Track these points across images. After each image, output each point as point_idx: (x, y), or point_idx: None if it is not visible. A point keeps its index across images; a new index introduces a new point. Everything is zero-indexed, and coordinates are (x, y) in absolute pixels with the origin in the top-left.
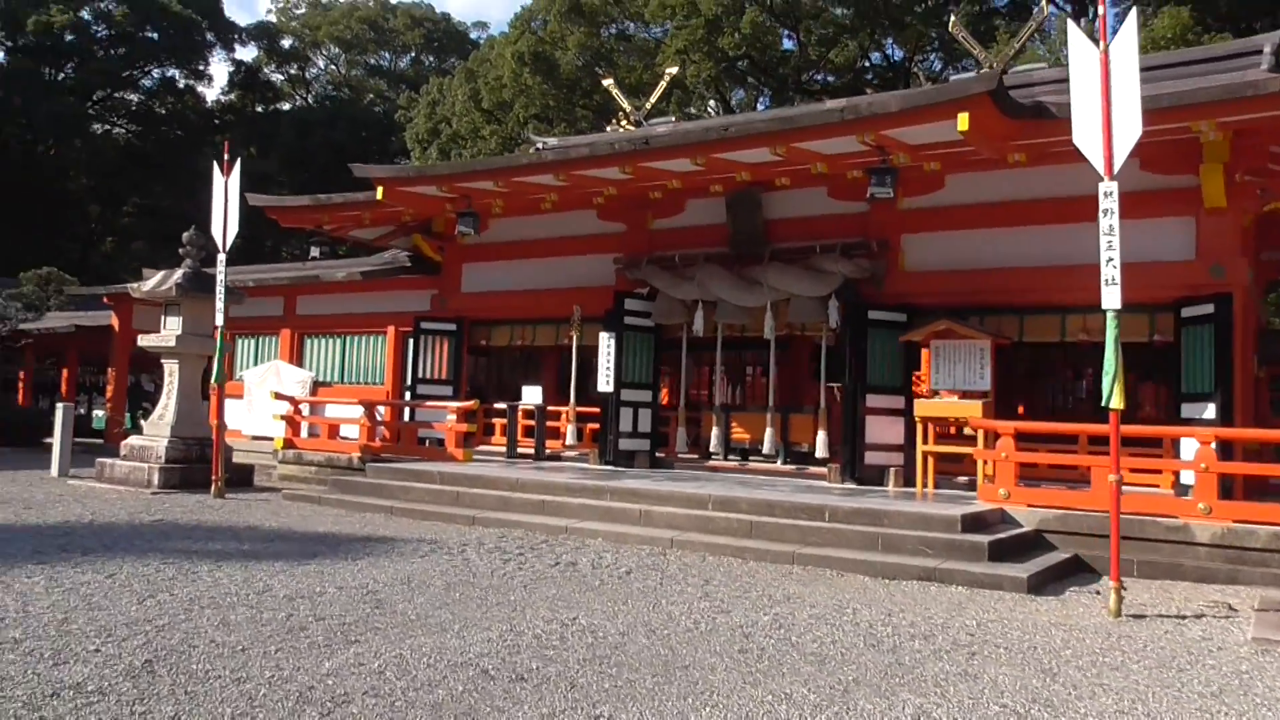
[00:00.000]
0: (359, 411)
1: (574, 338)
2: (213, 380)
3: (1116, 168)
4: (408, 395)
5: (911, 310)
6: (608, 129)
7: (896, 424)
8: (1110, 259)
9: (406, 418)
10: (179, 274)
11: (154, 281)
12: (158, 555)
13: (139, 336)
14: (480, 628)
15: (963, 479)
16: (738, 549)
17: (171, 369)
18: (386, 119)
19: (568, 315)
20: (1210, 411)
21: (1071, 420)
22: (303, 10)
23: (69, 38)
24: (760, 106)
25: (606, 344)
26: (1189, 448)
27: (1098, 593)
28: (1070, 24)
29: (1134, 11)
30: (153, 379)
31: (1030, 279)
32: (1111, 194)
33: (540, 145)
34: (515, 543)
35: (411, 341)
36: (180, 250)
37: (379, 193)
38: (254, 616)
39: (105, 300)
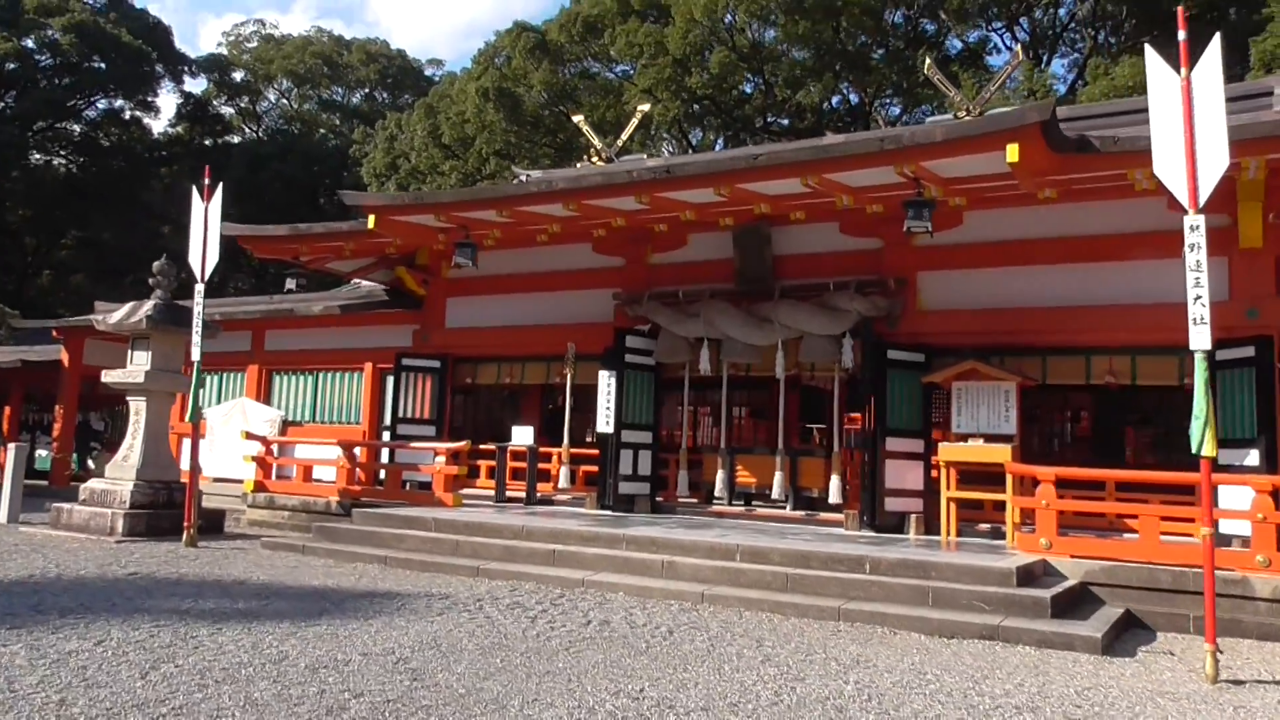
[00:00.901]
0: (335, 452)
1: (567, 376)
2: (186, 418)
3: (1202, 200)
4: (386, 435)
5: (929, 350)
6: (578, 165)
7: (916, 468)
8: (1198, 296)
9: (388, 459)
10: (149, 305)
11: (122, 313)
12: (145, 616)
13: (103, 372)
14: (544, 704)
15: (984, 526)
16: (775, 604)
17: (138, 407)
18: (340, 153)
19: (560, 352)
20: (1252, 458)
21: (1066, 463)
22: (255, 44)
23: (11, 66)
24: (718, 146)
25: (606, 383)
26: (1230, 496)
27: (1171, 653)
28: (1149, 51)
29: (1217, 38)
30: (102, 417)
31: (1054, 319)
32: (1199, 228)
33: (523, 178)
34: (532, 597)
35: (392, 379)
36: (150, 280)
37: (370, 221)
38: (281, 693)
39: (55, 334)
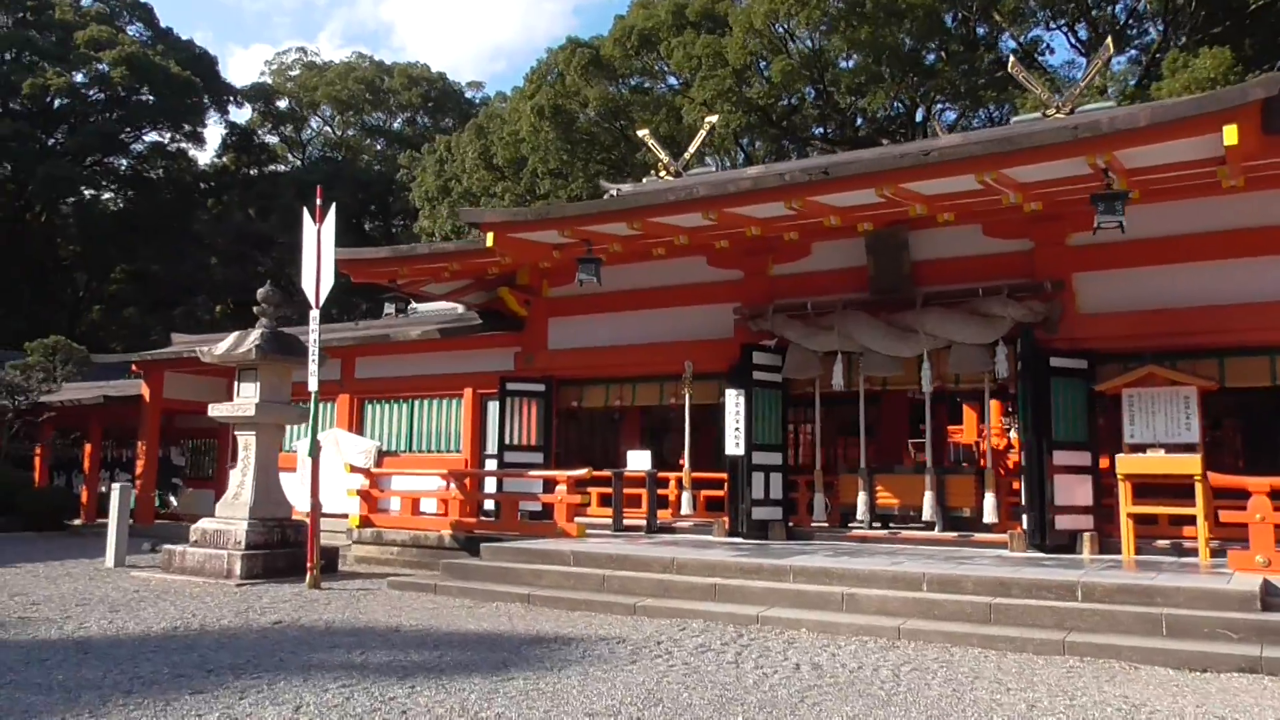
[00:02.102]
0: (436, 483)
1: (686, 396)
2: (306, 452)
3: None
4: (489, 463)
5: (1091, 356)
6: (645, 181)
7: (1085, 483)
8: None
9: (494, 487)
10: (256, 335)
11: (227, 344)
12: (324, 674)
13: (209, 406)
14: None
15: (1163, 543)
16: (984, 638)
17: (247, 441)
18: (385, 178)
19: (674, 371)
20: None
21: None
22: (298, 72)
23: (62, 101)
24: (793, 156)
25: (735, 402)
26: None
27: None
28: None
29: None
30: (182, 452)
31: (1231, 316)
32: None
33: (614, 192)
34: (712, 637)
35: (496, 405)
36: (255, 309)
37: (489, 239)
38: None
39: (134, 368)
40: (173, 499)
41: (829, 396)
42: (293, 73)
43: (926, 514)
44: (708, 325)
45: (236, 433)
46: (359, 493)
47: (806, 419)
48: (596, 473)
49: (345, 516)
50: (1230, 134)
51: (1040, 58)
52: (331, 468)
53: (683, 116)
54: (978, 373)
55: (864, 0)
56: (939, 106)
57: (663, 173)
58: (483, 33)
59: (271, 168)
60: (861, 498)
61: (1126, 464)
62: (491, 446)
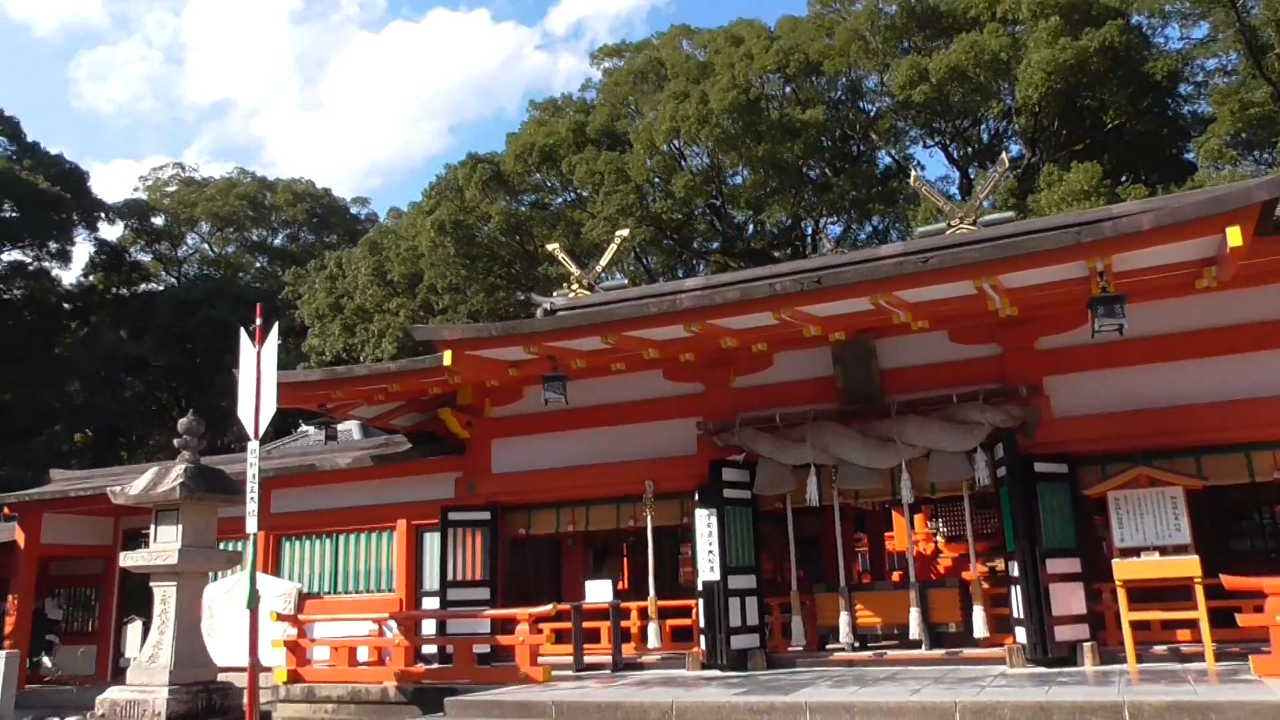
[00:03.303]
0: (367, 628)
1: (647, 518)
2: (244, 604)
3: None
4: (426, 602)
5: (1069, 460)
6: (555, 294)
7: (1078, 591)
8: None
9: (433, 629)
10: (179, 470)
11: (145, 481)
12: None
13: (122, 555)
14: None
15: (1160, 649)
16: None
17: (166, 594)
18: (268, 295)
19: (631, 492)
20: None
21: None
22: (175, 188)
23: None
24: (680, 274)
25: (707, 523)
26: None
27: None
28: None
29: None
30: (59, 604)
31: (1207, 415)
32: None
33: (547, 305)
34: None
35: (435, 536)
36: (175, 441)
37: (446, 357)
38: None
39: (6, 511)
40: (46, 659)
41: (780, 513)
42: (169, 188)
43: (914, 632)
44: (668, 442)
45: (153, 584)
46: (285, 643)
47: (771, 537)
48: (560, 607)
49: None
50: (1234, 235)
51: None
52: (240, 616)
53: (582, 231)
54: (956, 481)
55: (759, 119)
56: (825, 220)
57: (575, 286)
58: (356, 150)
59: (144, 286)
60: (843, 618)
61: (1124, 569)
62: (430, 583)
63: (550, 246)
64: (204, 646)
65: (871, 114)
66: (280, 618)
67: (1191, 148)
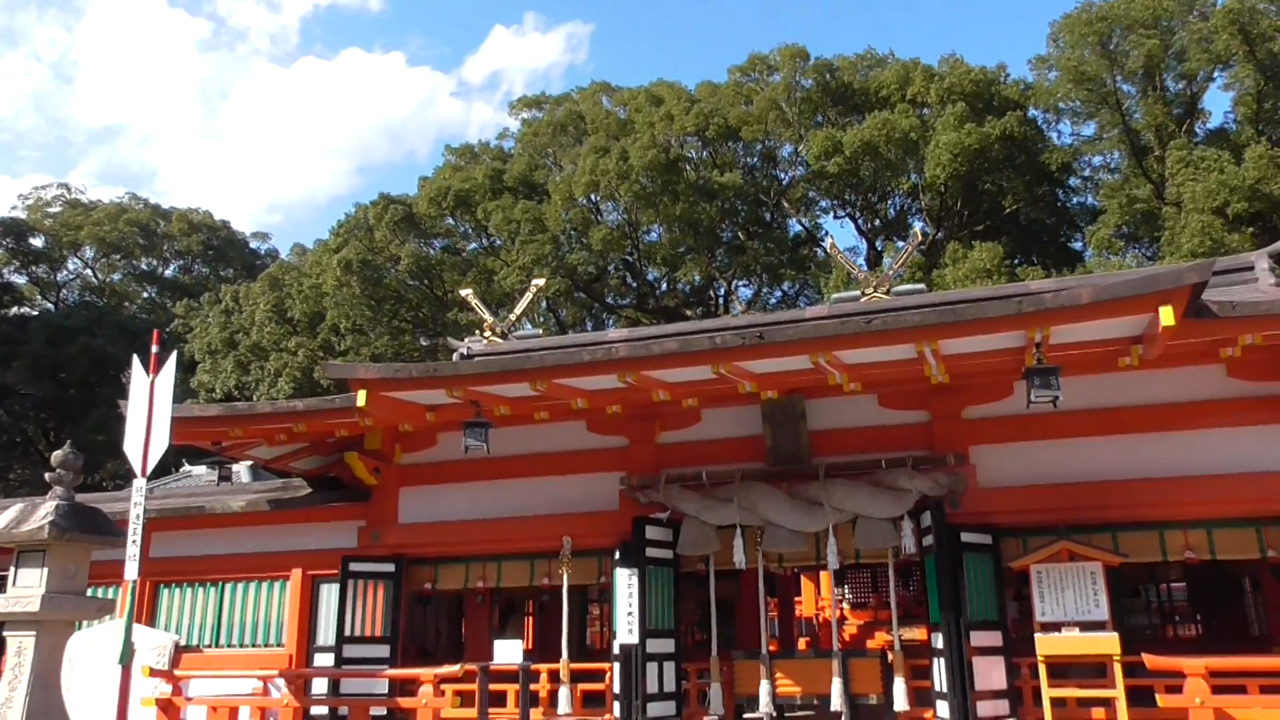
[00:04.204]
0: (251, 685)
1: (563, 576)
2: (115, 658)
3: None
4: (318, 658)
5: (993, 530)
6: (467, 340)
7: (999, 665)
8: None
9: (325, 688)
10: (49, 507)
11: (8, 518)
12: None
13: None
14: None
15: None
16: None
17: (22, 645)
18: (159, 327)
19: (547, 548)
20: None
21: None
22: (58, 209)
23: None
24: (588, 326)
25: (628, 583)
26: None
27: None
28: None
29: None
30: None
31: (1124, 492)
32: None
33: (463, 350)
34: None
35: (333, 588)
36: (48, 475)
37: (361, 398)
38: None
39: None
40: None
41: (695, 575)
42: (52, 209)
43: (835, 703)
44: (589, 496)
45: (7, 633)
46: (157, 701)
47: (686, 599)
48: (468, 667)
49: None
50: (1167, 314)
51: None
52: (107, 670)
53: (495, 278)
54: (882, 548)
55: (677, 179)
56: (737, 282)
57: (487, 333)
58: (258, 184)
59: (16, 310)
60: (764, 687)
61: (1046, 644)
62: (324, 638)
63: (463, 292)
64: (63, 704)
65: (785, 182)
66: (153, 673)
67: (1079, 237)
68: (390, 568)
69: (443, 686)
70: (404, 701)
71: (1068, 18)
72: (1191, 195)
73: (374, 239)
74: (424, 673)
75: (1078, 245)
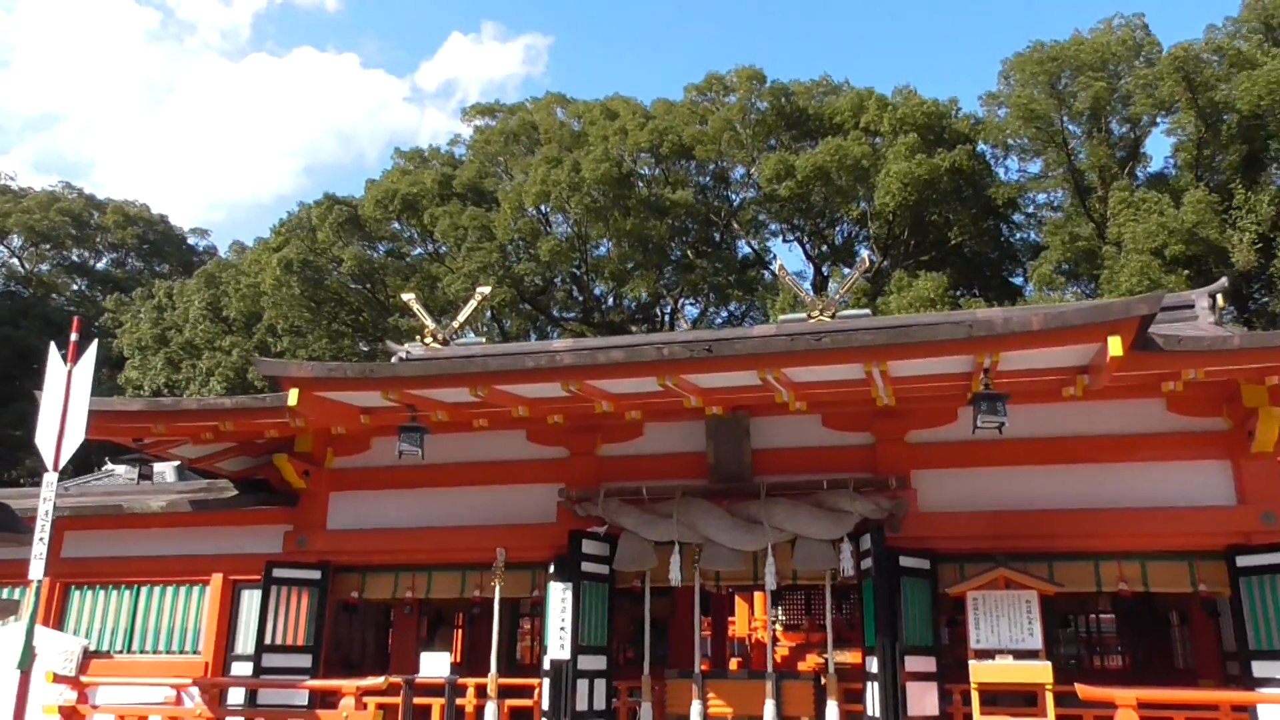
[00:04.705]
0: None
1: (495, 588)
2: (15, 664)
3: None
4: (237, 667)
5: (932, 556)
6: (406, 345)
7: (932, 691)
8: None
9: (244, 700)
10: None
11: None
12: None
13: None
14: None
15: None
16: None
17: None
18: (87, 321)
19: (481, 560)
20: None
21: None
22: None
23: None
24: (532, 337)
25: (561, 597)
26: (1272, 715)
27: None
28: None
29: None
30: None
31: (1061, 522)
32: None
33: (402, 354)
34: None
35: (255, 594)
36: None
37: (292, 397)
38: None
39: None
40: None
41: (630, 591)
42: None
43: None
44: (526, 508)
45: None
46: (60, 710)
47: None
48: (392, 680)
49: None
50: (1115, 345)
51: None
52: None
53: (439, 285)
54: (821, 569)
55: (629, 194)
56: (684, 300)
57: (429, 340)
58: (201, 180)
59: None
60: (695, 707)
61: (980, 672)
62: (244, 646)
63: (405, 296)
64: None
65: (736, 203)
66: (58, 679)
67: (1020, 272)
68: (316, 575)
69: (365, 699)
70: (324, 714)
71: (1019, 56)
72: (1132, 235)
73: (316, 239)
74: (345, 684)
75: (1019, 280)
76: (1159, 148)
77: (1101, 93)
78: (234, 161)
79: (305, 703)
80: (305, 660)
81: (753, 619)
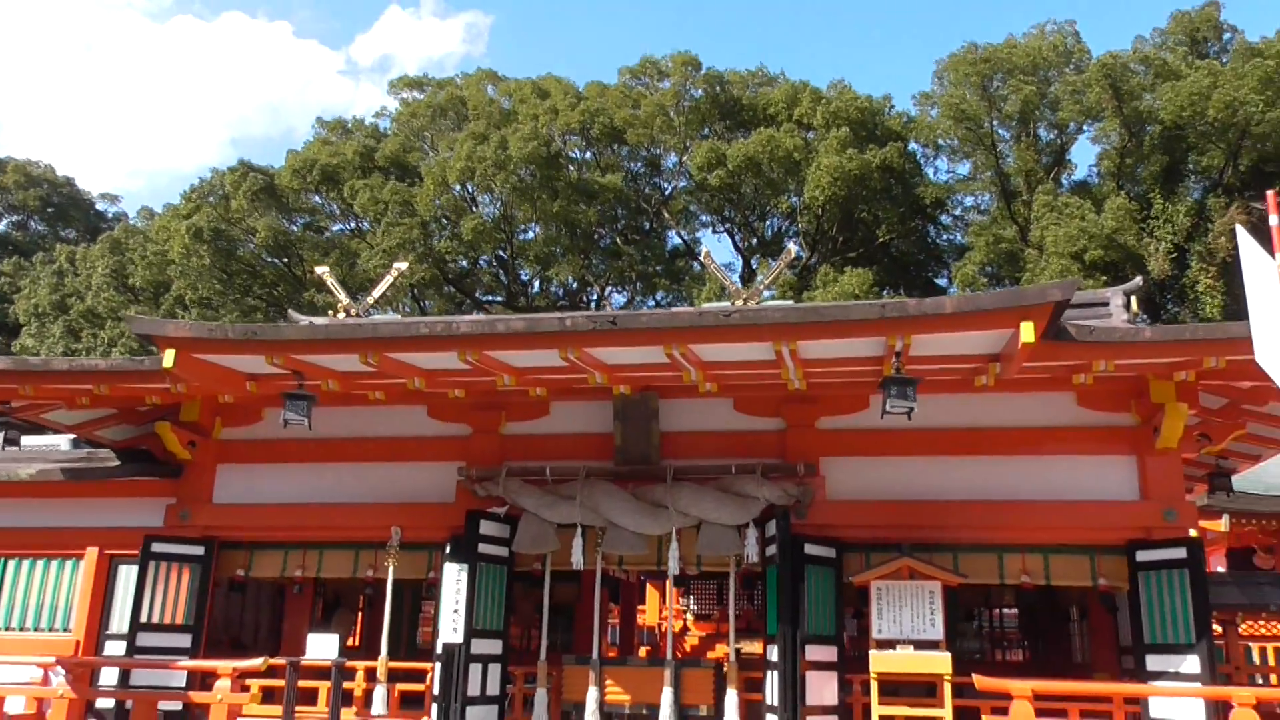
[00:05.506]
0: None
1: (389, 568)
2: None
3: None
4: (111, 646)
5: (838, 544)
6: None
7: (832, 681)
8: None
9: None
10: None
11: None
12: None
13: None
14: None
15: None
16: None
17: None
18: None
19: (375, 538)
20: (1189, 665)
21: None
22: None
23: None
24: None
25: (456, 579)
26: (1162, 707)
27: None
28: (1240, 231)
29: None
30: None
31: (966, 513)
32: None
33: (307, 324)
34: None
35: (134, 569)
36: None
37: (169, 358)
38: None
39: None
40: None
41: (529, 574)
42: None
43: (665, 714)
44: (424, 486)
45: None
46: None
47: (520, 600)
48: (273, 661)
49: None
50: (1028, 331)
51: (708, 250)
52: None
53: (358, 261)
54: (725, 556)
55: (557, 175)
56: (611, 289)
57: (340, 314)
58: (118, 145)
59: None
60: (592, 694)
61: (880, 662)
62: (119, 624)
63: (320, 270)
64: None
65: (667, 192)
66: None
67: (945, 273)
68: (199, 550)
69: (246, 681)
70: (197, 696)
71: (953, 57)
72: (1053, 239)
73: (230, 208)
74: (222, 665)
75: (943, 281)
76: (1084, 155)
77: (1031, 97)
78: (156, 128)
79: (183, 684)
80: (184, 640)
81: (664, 608)
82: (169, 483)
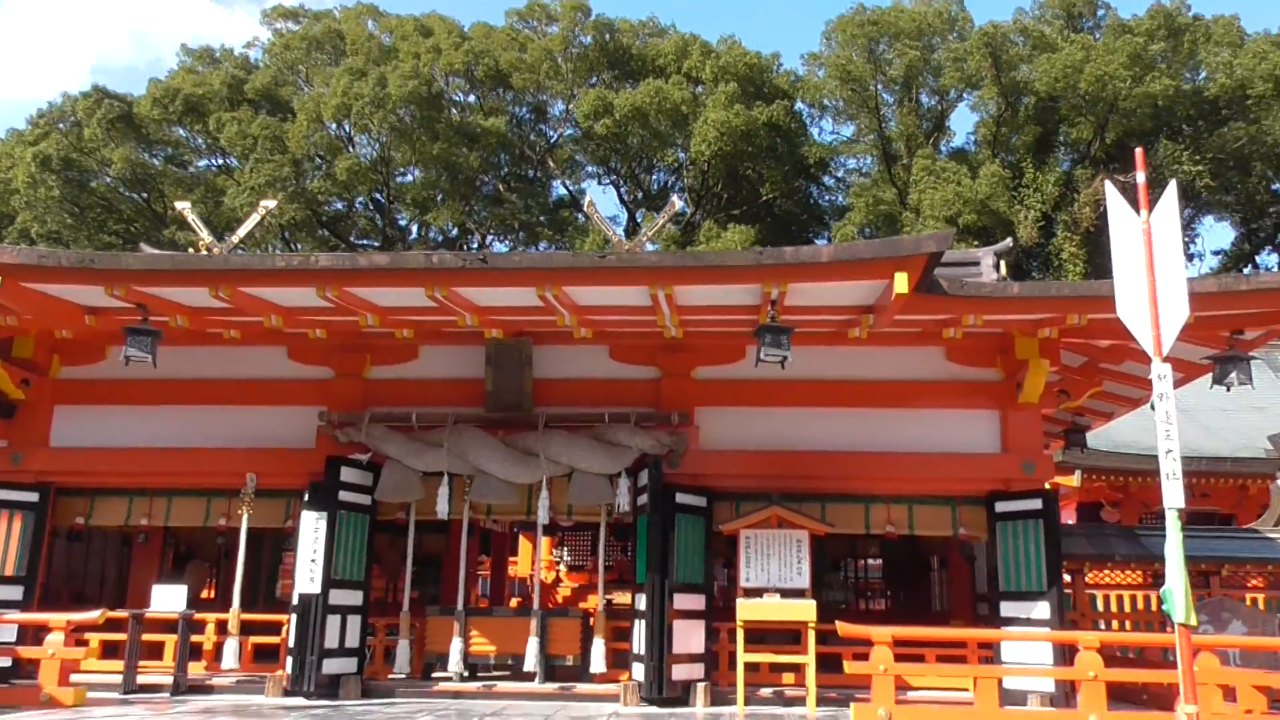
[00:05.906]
0: None
1: (243, 517)
2: None
3: (1166, 348)
4: None
5: (709, 494)
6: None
7: (699, 629)
8: (1169, 450)
9: None
10: None
11: None
12: None
13: None
14: None
15: (766, 691)
16: None
17: None
18: None
19: (228, 485)
20: (1040, 611)
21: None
22: None
23: None
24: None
25: (314, 528)
26: (1013, 651)
27: None
28: (1109, 186)
29: (1173, 184)
30: None
31: (834, 464)
32: (1166, 377)
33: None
34: None
35: None
36: None
37: None
38: None
39: None
40: None
41: (394, 524)
42: None
43: (529, 664)
44: (282, 431)
45: None
46: None
47: (386, 551)
48: (112, 614)
49: None
50: (901, 282)
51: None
52: None
53: (224, 200)
54: (596, 505)
55: (438, 117)
56: (492, 237)
57: (203, 254)
58: None
59: None
60: (455, 645)
61: (746, 610)
62: None
63: (180, 205)
64: None
65: (553, 140)
66: None
67: (825, 233)
68: (33, 497)
69: (83, 635)
70: (25, 651)
71: (842, 18)
72: (930, 203)
73: (83, 136)
74: (54, 618)
75: (823, 241)
76: (963, 123)
77: (915, 62)
78: (7, 52)
79: (14, 639)
80: (16, 592)
81: (539, 558)
82: (0, 424)
